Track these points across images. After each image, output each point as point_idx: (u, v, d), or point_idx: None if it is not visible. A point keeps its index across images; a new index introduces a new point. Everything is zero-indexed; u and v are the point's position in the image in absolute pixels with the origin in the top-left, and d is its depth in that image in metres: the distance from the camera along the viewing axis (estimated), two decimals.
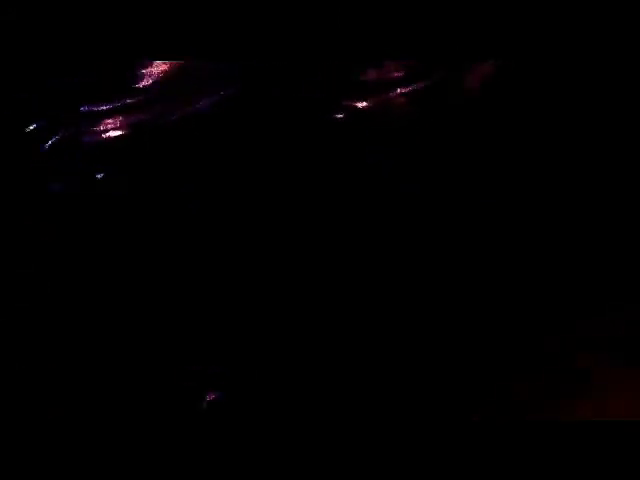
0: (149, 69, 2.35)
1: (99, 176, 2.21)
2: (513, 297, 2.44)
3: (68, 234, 2.30)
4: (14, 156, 2.30)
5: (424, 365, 2.35)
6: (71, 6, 2.28)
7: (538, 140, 2.52)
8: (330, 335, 2.35)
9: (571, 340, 2.37)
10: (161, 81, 2.35)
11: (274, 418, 2.25)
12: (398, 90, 2.47)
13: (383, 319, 2.38)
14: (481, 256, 2.45)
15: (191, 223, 2.35)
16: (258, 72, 2.41)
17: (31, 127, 2.26)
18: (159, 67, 2.35)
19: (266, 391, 2.31)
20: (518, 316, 2.42)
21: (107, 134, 2.25)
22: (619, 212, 2.51)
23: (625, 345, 2.35)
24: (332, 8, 2.34)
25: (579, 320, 2.41)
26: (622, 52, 2.43)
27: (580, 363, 2.33)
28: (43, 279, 2.30)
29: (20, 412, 2.21)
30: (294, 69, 2.44)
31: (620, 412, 2.18)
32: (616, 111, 2.51)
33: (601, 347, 2.35)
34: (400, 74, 2.46)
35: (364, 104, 2.44)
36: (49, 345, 2.28)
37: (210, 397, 2.26)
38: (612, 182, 2.51)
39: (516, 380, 2.31)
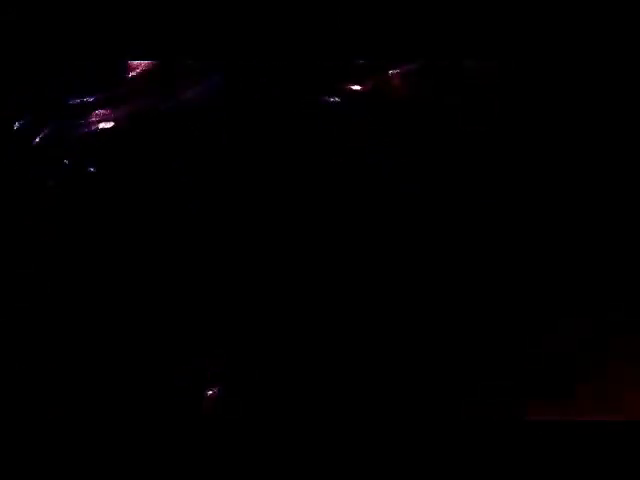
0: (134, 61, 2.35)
1: (91, 169, 2.19)
2: (512, 297, 2.44)
3: (66, 231, 2.28)
4: (3, 154, 2.28)
5: (421, 364, 2.35)
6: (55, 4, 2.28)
7: (538, 140, 2.52)
8: (329, 334, 2.35)
9: (571, 340, 2.38)
10: (147, 72, 2.34)
11: (273, 417, 2.24)
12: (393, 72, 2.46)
13: (381, 319, 2.37)
14: (480, 256, 2.45)
15: (191, 221, 2.34)
16: (247, 69, 2.41)
17: (18, 124, 2.23)
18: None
19: (266, 391, 2.30)
20: (517, 316, 2.42)
21: (96, 126, 2.23)
22: (618, 211, 2.51)
23: (625, 345, 2.37)
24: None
25: (579, 320, 2.41)
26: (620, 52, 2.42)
27: (580, 363, 2.35)
28: (42, 278, 2.28)
29: (20, 411, 2.21)
30: (289, 67, 2.42)
31: (621, 412, 2.20)
32: (615, 110, 2.51)
33: (601, 347, 2.37)
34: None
35: (359, 88, 2.42)
36: (48, 343, 2.27)
37: (210, 395, 2.25)
38: (612, 181, 2.51)
39: (515, 379, 2.31)
